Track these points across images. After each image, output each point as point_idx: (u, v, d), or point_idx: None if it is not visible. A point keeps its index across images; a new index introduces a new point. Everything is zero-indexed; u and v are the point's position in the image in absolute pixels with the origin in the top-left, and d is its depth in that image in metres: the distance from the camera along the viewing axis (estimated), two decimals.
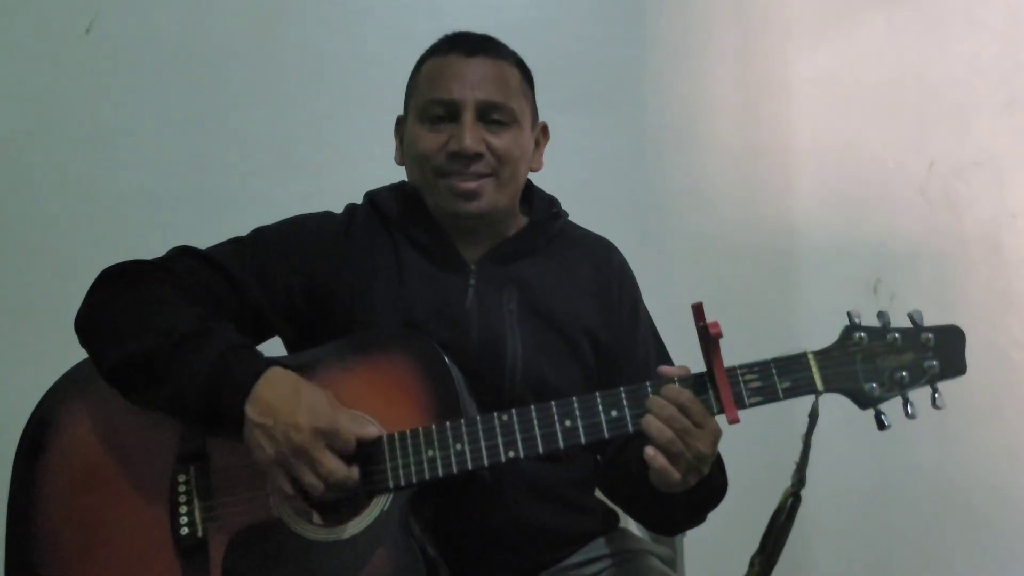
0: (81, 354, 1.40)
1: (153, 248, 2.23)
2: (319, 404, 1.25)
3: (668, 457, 1.25)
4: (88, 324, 1.37)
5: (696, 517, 1.46)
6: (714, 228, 2.59)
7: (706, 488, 1.33)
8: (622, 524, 1.62)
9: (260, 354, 1.32)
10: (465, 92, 1.45)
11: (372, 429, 1.29)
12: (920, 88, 2.64)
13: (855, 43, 2.64)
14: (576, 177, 2.46)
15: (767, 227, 2.62)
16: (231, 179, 2.34)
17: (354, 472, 1.26)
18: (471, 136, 1.44)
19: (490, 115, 1.46)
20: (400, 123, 1.58)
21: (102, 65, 2.30)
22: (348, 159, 2.36)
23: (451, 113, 1.46)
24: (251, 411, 1.24)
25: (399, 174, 1.58)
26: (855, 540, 2.63)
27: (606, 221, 2.38)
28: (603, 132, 2.51)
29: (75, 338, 1.39)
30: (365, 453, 1.29)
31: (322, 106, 2.39)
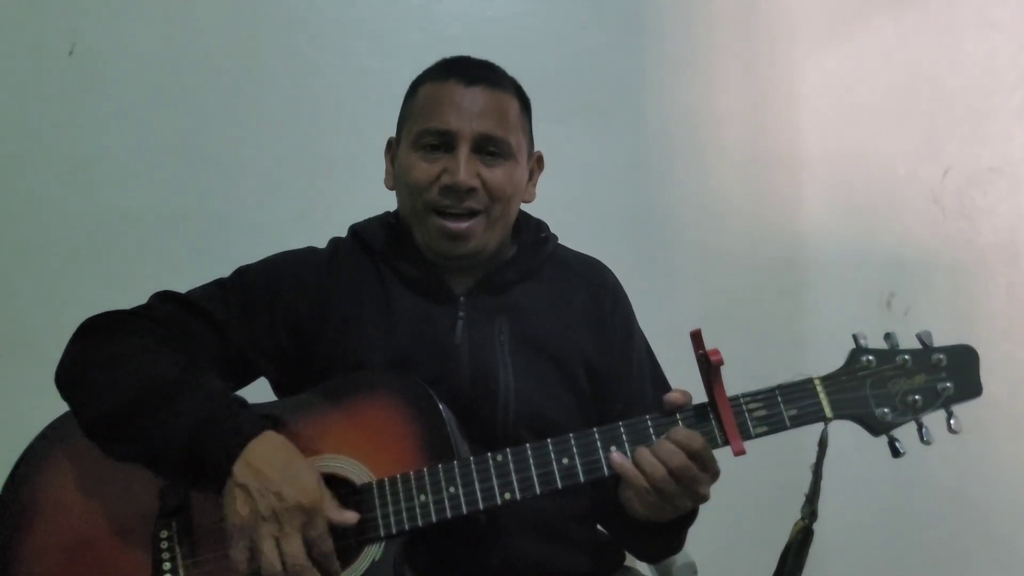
0: (55, 393, 1.38)
1: (137, 272, 2.26)
2: (308, 483, 1.24)
3: (661, 498, 1.25)
4: (68, 378, 1.37)
5: (675, 543, 1.47)
6: (720, 241, 2.59)
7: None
8: (627, 563, 1.60)
9: (252, 411, 1.31)
10: (463, 123, 1.44)
11: (351, 516, 1.26)
12: (933, 93, 2.63)
13: (864, 47, 2.63)
14: (576, 191, 2.47)
15: (775, 239, 2.61)
16: (217, 201, 2.34)
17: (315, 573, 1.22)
18: (466, 170, 1.43)
19: (486, 148, 1.46)
20: (391, 146, 1.57)
21: (86, 86, 2.31)
22: (338, 178, 2.36)
23: (446, 143, 1.45)
24: (238, 470, 1.23)
25: (391, 194, 1.58)
26: (871, 562, 2.61)
27: (607, 236, 2.40)
28: (603, 144, 2.51)
29: (54, 367, 1.39)
30: (354, 501, 1.27)
31: (311, 123, 2.39)
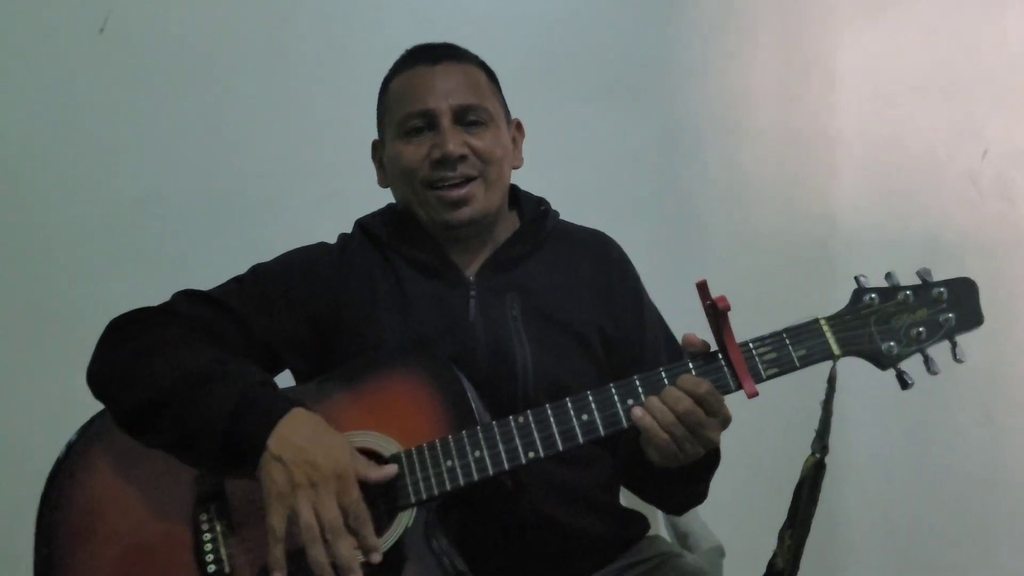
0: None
1: (168, 256, 2.31)
2: (340, 452, 1.29)
3: (674, 442, 1.30)
4: (99, 376, 1.43)
5: (696, 494, 1.52)
6: (752, 223, 2.59)
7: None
8: (653, 532, 1.65)
9: (281, 392, 1.37)
10: (439, 100, 1.51)
11: (391, 469, 1.31)
12: (973, 71, 2.61)
13: (903, 24, 2.61)
14: (605, 171, 2.48)
15: (808, 221, 2.61)
16: (247, 182, 2.38)
17: (351, 540, 1.26)
18: (453, 140, 1.50)
19: (467, 117, 1.53)
20: (376, 147, 1.64)
21: (116, 65, 2.35)
22: (366, 161, 2.39)
23: (429, 123, 1.52)
24: (272, 444, 1.28)
25: None
26: (897, 549, 2.61)
27: (637, 216, 2.42)
28: (633, 122, 2.52)
29: (84, 348, 1.45)
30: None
31: (340, 105, 2.40)
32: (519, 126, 1.66)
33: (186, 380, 1.33)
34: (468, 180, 1.51)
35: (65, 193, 2.33)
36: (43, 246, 2.33)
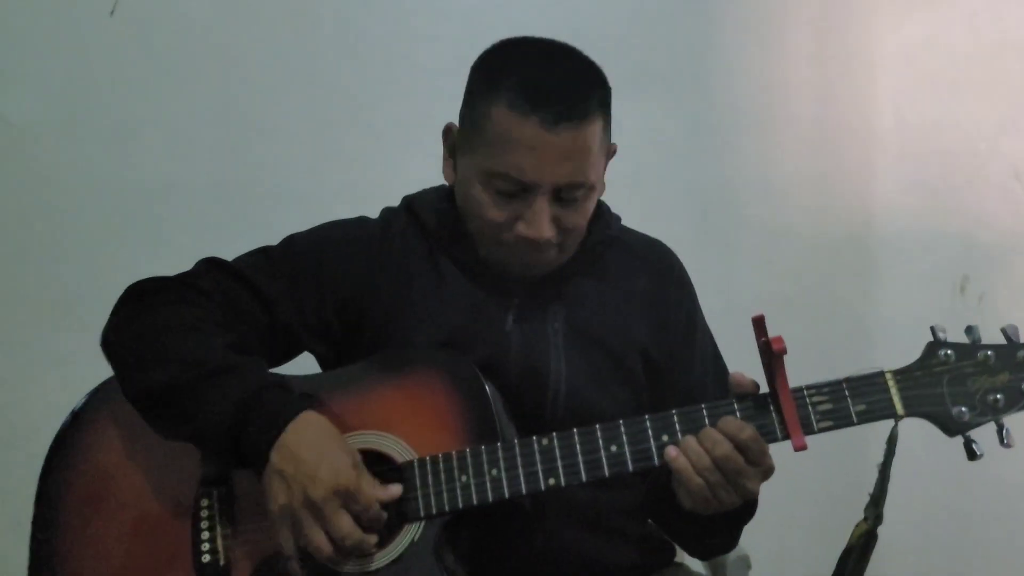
0: (99, 359, 1.42)
1: (181, 244, 2.29)
2: (343, 464, 1.25)
3: (709, 488, 1.23)
4: (113, 345, 1.40)
5: (728, 541, 1.47)
6: (786, 219, 2.56)
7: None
8: (678, 559, 1.59)
9: (292, 393, 1.32)
10: (542, 176, 1.34)
11: (396, 489, 1.28)
12: (1018, 61, 2.57)
13: (945, 12, 2.57)
14: (634, 164, 2.40)
15: (844, 218, 2.58)
16: (264, 171, 2.35)
17: (371, 539, 1.25)
18: (544, 224, 1.36)
19: (565, 195, 1.37)
20: (450, 133, 1.48)
21: (127, 49, 2.31)
22: (388, 149, 2.36)
23: (522, 190, 1.36)
24: (275, 456, 1.25)
25: (439, 164, 1.57)
26: (933, 560, 2.59)
27: (666, 212, 2.39)
28: (663, 113, 2.49)
29: (98, 334, 1.42)
30: (395, 479, 1.29)
31: (361, 91, 2.39)
32: (613, 151, 1.49)
33: (194, 373, 1.30)
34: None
35: (75, 182, 2.31)
36: (55, 234, 2.32)
